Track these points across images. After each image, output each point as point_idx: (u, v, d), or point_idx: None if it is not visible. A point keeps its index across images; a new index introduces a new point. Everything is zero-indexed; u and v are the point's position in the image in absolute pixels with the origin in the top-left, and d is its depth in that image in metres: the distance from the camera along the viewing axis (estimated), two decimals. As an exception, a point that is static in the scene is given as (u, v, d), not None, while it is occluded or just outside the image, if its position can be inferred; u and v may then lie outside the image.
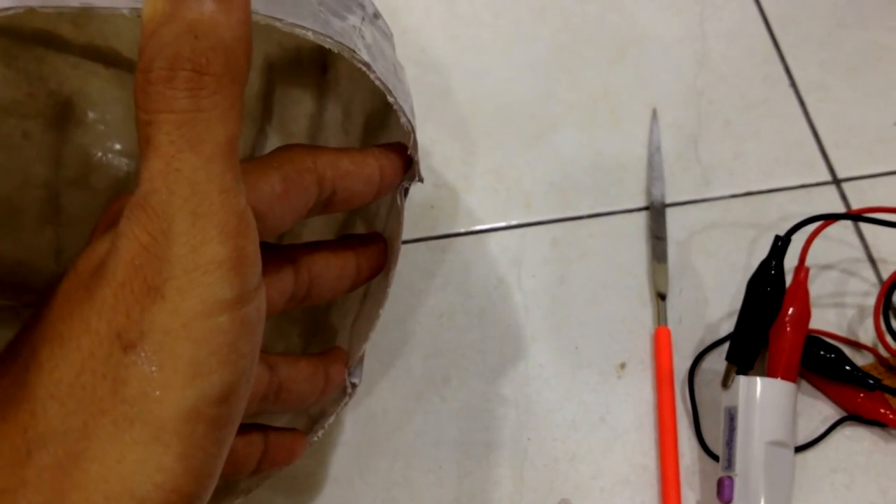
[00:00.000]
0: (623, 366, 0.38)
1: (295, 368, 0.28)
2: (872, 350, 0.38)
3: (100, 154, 0.37)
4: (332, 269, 0.28)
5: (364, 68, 0.24)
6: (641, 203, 0.43)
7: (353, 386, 0.31)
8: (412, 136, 0.27)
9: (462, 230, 0.42)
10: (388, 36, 0.30)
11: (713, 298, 0.40)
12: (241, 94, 0.20)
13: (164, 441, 0.18)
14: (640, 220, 0.42)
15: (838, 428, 0.37)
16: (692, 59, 0.48)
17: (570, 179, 0.44)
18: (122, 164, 0.38)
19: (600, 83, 0.47)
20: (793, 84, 0.47)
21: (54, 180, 0.37)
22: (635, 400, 0.38)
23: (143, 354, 0.18)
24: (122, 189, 0.38)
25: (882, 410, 0.36)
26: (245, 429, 0.27)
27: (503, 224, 0.42)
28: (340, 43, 0.24)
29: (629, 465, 0.36)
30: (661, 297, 0.40)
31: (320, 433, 0.32)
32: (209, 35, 0.19)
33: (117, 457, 0.18)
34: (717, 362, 0.38)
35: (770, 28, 0.49)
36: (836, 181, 0.44)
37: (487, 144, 0.45)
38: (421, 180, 0.29)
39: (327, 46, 0.23)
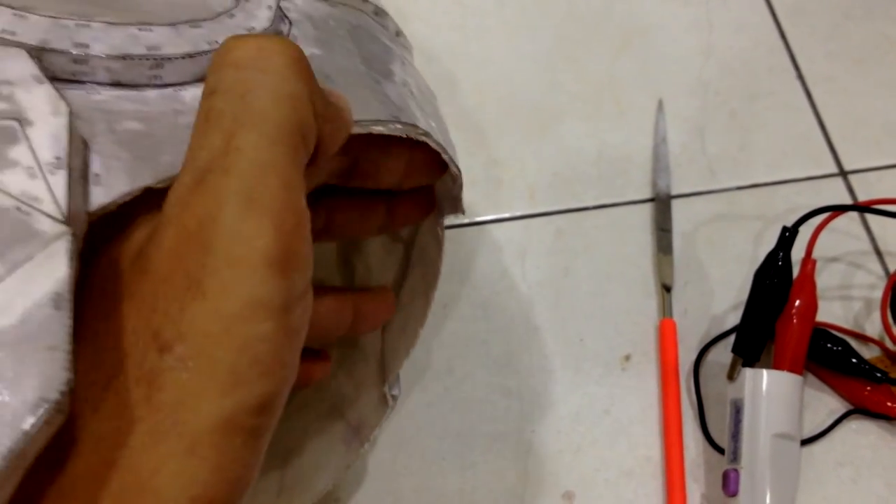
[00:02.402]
0: (628, 358, 0.38)
1: (319, 301, 0.27)
2: (879, 343, 0.38)
3: None
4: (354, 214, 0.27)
5: (424, 138, 0.25)
6: (647, 194, 0.42)
7: (394, 398, 0.31)
8: (459, 178, 0.27)
9: (466, 221, 0.42)
10: (410, 50, 0.31)
11: (718, 290, 0.40)
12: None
13: (201, 454, 0.17)
14: (646, 211, 0.42)
15: (844, 421, 0.36)
16: (698, 49, 0.47)
17: (575, 170, 0.43)
18: None
19: (605, 74, 0.46)
20: (800, 76, 0.46)
21: None
22: (640, 392, 0.37)
23: (179, 358, 0.17)
24: None
25: (889, 404, 0.36)
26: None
27: (507, 215, 0.42)
28: (406, 125, 0.24)
29: (634, 457, 0.36)
30: (667, 288, 0.39)
31: (366, 445, 0.32)
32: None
33: (153, 468, 0.17)
34: (722, 355, 0.38)
35: (777, 19, 0.48)
36: (843, 173, 0.43)
37: (491, 135, 0.44)
38: (463, 212, 0.29)
39: (397, 135, 0.24)
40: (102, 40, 0.21)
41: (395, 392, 0.31)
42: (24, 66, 0.20)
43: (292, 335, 0.18)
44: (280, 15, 0.24)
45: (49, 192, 0.18)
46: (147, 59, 0.21)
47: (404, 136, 0.24)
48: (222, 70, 0.18)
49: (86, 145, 0.19)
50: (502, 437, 0.36)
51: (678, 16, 0.48)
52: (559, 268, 0.41)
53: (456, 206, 0.29)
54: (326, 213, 0.26)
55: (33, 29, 0.20)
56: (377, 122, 0.23)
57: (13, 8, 0.20)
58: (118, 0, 0.23)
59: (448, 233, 0.41)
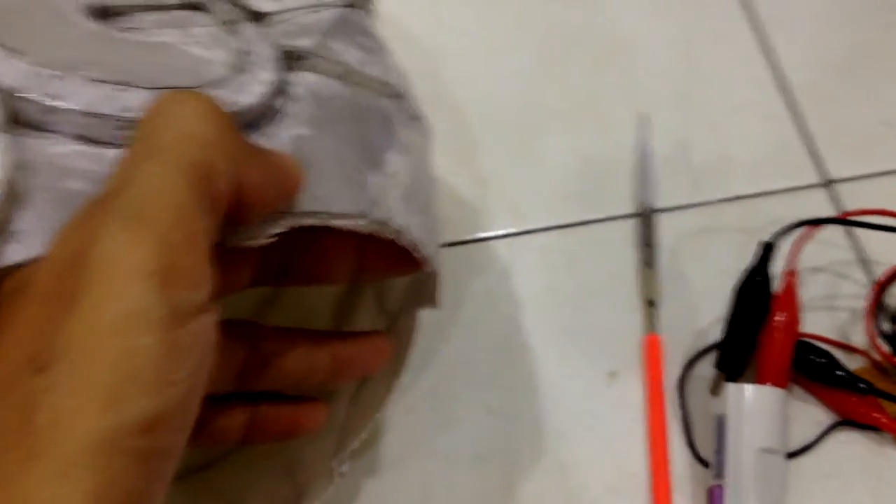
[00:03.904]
0: (613, 374, 0.38)
1: (287, 344, 0.26)
2: (864, 353, 0.38)
3: None
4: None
5: (394, 237, 0.24)
6: (630, 209, 0.42)
7: (341, 475, 0.30)
8: (435, 275, 0.27)
9: (450, 240, 0.42)
10: (426, 134, 0.30)
11: (703, 305, 0.40)
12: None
13: (74, 477, 0.16)
14: (629, 226, 0.42)
15: (831, 433, 0.36)
16: (678, 62, 0.47)
17: (558, 187, 0.43)
18: None
19: (587, 89, 0.46)
20: (781, 85, 0.46)
21: None
22: (625, 408, 0.37)
23: (54, 378, 0.16)
24: None
25: (875, 415, 0.36)
26: (226, 403, 0.26)
27: (491, 234, 0.42)
28: (373, 221, 0.24)
29: (619, 474, 0.36)
30: (651, 304, 0.39)
31: None
32: None
33: (23, 496, 0.15)
34: (708, 369, 0.38)
35: (757, 28, 0.48)
36: (827, 183, 0.43)
37: (474, 153, 0.44)
38: (439, 307, 0.29)
39: (360, 230, 0.23)
40: (78, 95, 0.21)
41: (343, 469, 0.30)
42: None
43: (180, 351, 0.17)
44: (280, 90, 0.24)
45: None
46: (116, 119, 0.21)
47: (369, 232, 0.24)
48: (138, 125, 0.19)
49: (15, 200, 0.19)
50: (487, 456, 0.36)
51: (657, 29, 0.48)
52: (544, 285, 0.41)
53: (432, 300, 0.29)
54: (283, 251, 0.26)
55: (12, 73, 0.20)
56: (341, 215, 0.23)
57: (6, 48, 0.21)
58: (121, 50, 0.23)
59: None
